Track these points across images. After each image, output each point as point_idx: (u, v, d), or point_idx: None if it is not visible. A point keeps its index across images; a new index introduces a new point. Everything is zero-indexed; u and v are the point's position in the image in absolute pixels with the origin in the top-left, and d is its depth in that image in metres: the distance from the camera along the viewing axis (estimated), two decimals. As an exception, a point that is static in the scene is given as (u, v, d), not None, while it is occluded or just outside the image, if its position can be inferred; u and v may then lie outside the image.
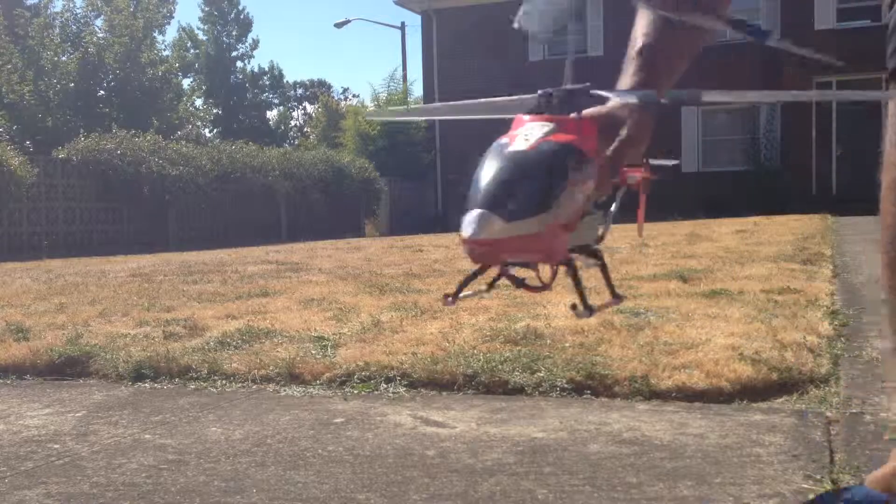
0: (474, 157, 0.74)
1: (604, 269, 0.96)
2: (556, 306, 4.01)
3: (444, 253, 9.39)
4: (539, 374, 2.83)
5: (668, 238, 9.46)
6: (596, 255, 0.95)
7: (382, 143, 23.62)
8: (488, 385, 2.84)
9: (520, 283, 0.90)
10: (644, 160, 1.03)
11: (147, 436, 2.45)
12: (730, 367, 2.76)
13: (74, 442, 2.42)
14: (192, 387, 3.10)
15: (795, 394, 2.59)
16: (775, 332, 3.27)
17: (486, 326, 3.61)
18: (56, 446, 2.38)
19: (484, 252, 0.77)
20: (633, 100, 0.93)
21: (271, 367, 3.16)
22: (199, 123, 30.20)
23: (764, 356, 2.85)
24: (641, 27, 1.08)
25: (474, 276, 0.90)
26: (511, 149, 0.79)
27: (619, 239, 8.56)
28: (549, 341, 3.27)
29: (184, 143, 18.99)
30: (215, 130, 39.86)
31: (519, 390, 2.78)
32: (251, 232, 17.68)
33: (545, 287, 0.90)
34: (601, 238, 0.98)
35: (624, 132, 0.93)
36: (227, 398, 2.90)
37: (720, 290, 4.56)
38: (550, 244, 0.78)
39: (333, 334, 3.65)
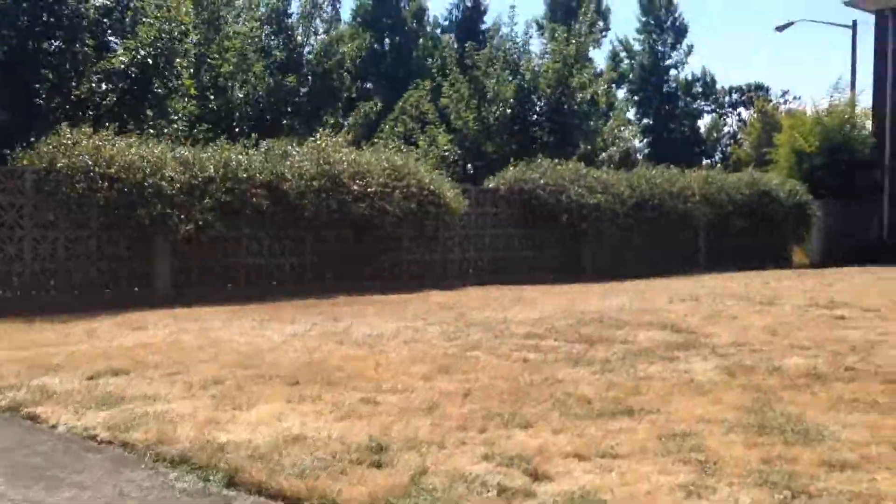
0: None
1: None
2: None
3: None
4: None
5: None
6: None
7: (820, 161, 21.32)
8: None
9: None
10: None
11: None
12: None
13: None
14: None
15: None
16: None
17: None
18: None
19: None
20: None
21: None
22: (628, 136, 30.33)
23: None
24: None
25: None
26: None
27: None
28: None
29: (604, 169, 19.16)
30: (645, 140, 39.82)
31: None
32: (667, 260, 17.27)
33: None
34: None
35: None
36: None
37: None
38: None
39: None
